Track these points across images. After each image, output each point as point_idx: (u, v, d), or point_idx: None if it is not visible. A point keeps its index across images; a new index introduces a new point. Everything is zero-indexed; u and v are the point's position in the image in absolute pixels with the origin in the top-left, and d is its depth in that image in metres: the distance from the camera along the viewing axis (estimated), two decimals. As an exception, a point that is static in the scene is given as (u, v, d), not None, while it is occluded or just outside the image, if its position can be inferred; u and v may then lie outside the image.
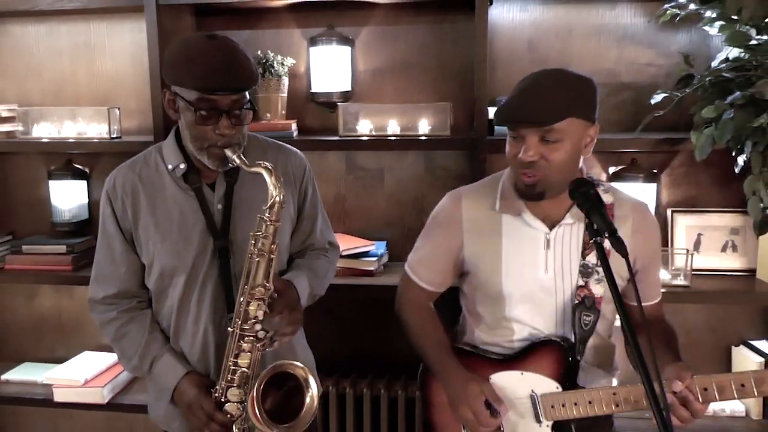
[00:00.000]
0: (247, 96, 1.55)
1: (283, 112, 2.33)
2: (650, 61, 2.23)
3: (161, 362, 1.62)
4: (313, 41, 2.33)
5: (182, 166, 1.60)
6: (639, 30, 2.23)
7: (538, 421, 1.55)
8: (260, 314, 1.51)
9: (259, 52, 2.29)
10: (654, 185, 2.24)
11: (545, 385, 1.56)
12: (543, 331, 1.61)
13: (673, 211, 2.29)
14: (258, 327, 1.51)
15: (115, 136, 2.36)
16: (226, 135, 1.51)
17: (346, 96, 2.35)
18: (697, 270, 2.22)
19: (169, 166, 1.61)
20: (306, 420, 1.50)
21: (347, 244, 2.33)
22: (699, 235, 2.28)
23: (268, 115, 2.30)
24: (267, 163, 1.52)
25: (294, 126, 2.29)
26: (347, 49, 2.35)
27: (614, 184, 2.14)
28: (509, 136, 1.53)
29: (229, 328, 1.53)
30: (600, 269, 1.56)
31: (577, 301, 1.57)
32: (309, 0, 2.23)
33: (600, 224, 1.28)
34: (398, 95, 2.38)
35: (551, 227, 1.58)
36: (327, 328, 2.44)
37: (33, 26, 2.55)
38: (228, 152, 1.52)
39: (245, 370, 1.52)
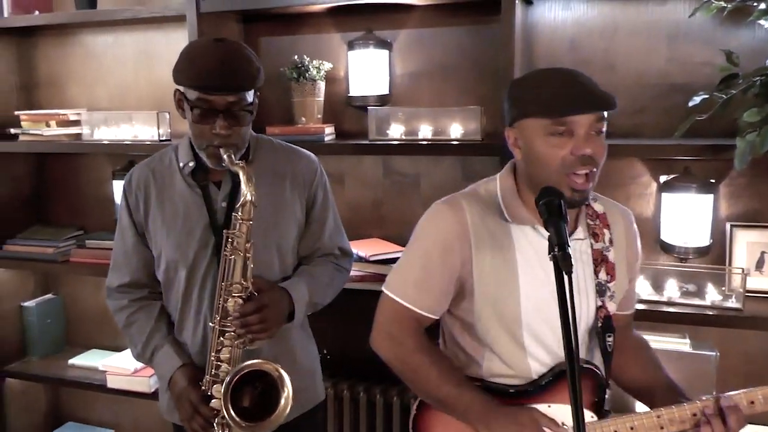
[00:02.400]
0: (249, 98, 1.58)
1: (319, 116, 2.34)
2: (706, 60, 2.03)
3: (161, 352, 1.68)
4: (351, 45, 2.32)
5: (191, 164, 1.66)
6: (694, 26, 2.03)
7: None
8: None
9: (295, 57, 2.31)
10: (710, 196, 2.03)
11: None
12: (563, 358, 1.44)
13: (732, 226, 2.07)
14: (237, 324, 1.54)
15: (164, 138, 2.47)
16: (221, 135, 1.54)
17: (383, 99, 2.33)
18: (759, 292, 2.00)
19: (181, 164, 1.68)
20: (277, 420, 1.50)
21: (381, 249, 2.31)
22: (763, 253, 2.05)
23: (303, 119, 2.32)
24: (243, 164, 1.54)
25: (328, 130, 2.30)
26: (385, 52, 2.32)
27: (668, 195, 2.07)
28: (544, 135, 1.33)
29: (210, 323, 1.57)
30: (611, 285, 1.49)
31: (600, 324, 1.48)
32: (347, 4, 2.22)
33: (553, 237, 1.16)
34: (435, 98, 2.33)
35: None
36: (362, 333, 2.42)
37: (101, 36, 2.73)
38: (221, 151, 1.55)
39: (227, 365, 1.54)
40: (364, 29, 2.33)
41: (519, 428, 1.35)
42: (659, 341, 2.03)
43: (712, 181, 2.06)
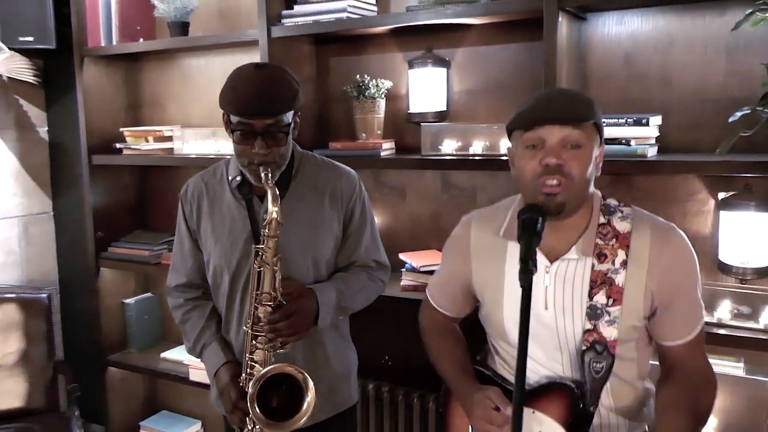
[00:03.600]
0: (286, 120, 1.71)
1: (379, 131, 2.46)
2: (769, 73, 1.94)
3: (209, 349, 1.85)
4: (411, 64, 2.42)
5: (238, 178, 1.82)
6: (754, 38, 1.95)
7: None
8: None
9: (357, 76, 2.44)
10: (771, 215, 1.95)
11: (552, 429, 1.46)
12: (559, 373, 1.51)
13: (796, 246, 1.96)
14: (267, 330, 1.68)
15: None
16: (260, 154, 1.69)
17: (441, 116, 2.40)
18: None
19: (230, 177, 1.85)
20: (299, 420, 1.62)
21: (433, 259, 2.38)
22: (830, 275, 1.93)
23: (363, 134, 2.45)
24: (272, 184, 1.68)
25: (386, 145, 2.41)
26: (443, 70, 2.40)
27: (726, 213, 1.97)
28: (522, 148, 1.43)
29: (243, 327, 1.72)
30: (612, 309, 1.43)
31: (585, 347, 1.45)
32: (408, 25, 2.32)
33: (521, 251, 1.22)
34: (491, 114, 2.37)
35: (553, 260, 1.48)
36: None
37: (195, 60, 3.01)
38: (260, 169, 1.70)
39: (260, 366, 1.68)
40: (425, 48, 2.43)
41: (472, 404, 1.54)
42: (715, 364, 1.95)
43: (775, 198, 1.96)
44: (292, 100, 1.71)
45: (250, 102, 1.65)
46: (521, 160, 1.43)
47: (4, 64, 2.80)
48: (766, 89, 1.66)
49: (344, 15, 2.32)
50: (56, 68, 3.20)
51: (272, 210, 1.66)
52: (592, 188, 1.48)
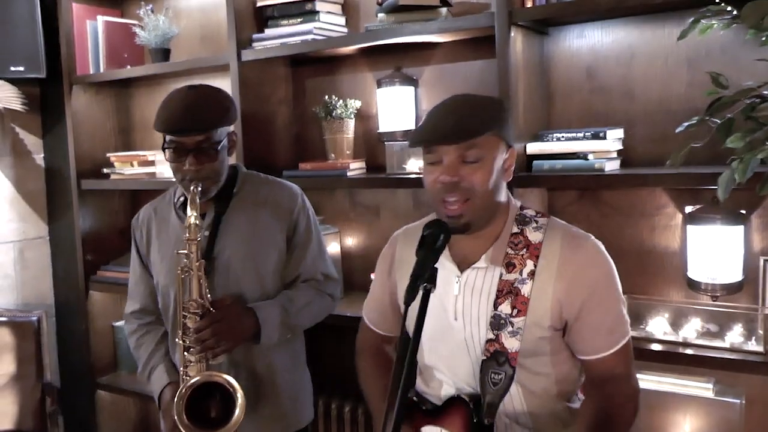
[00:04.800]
0: (218, 137, 1.74)
1: (348, 152, 2.46)
2: (732, 82, 1.88)
3: (156, 372, 1.86)
4: (379, 83, 2.43)
5: (181, 198, 1.85)
6: (714, 48, 1.91)
7: None
8: None
9: (326, 97, 2.45)
10: (740, 228, 1.87)
11: None
12: (465, 385, 1.46)
13: (766, 261, 1.88)
14: (193, 339, 1.68)
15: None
16: (192, 171, 1.71)
17: (409, 134, 2.39)
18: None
19: (175, 199, 1.87)
20: (231, 429, 1.60)
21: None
22: (804, 291, 1.85)
23: (333, 155, 2.45)
24: (195, 191, 1.70)
25: (354, 165, 2.40)
26: (410, 89, 2.39)
27: (693, 227, 1.89)
28: (425, 164, 1.43)
29: (176, 340, 1.72)
30: (516, 320, 1.38)
31: (485, 357, 1.40)
32: (377, 45, 2.33)
33: (413, 268, 1.20)
34: (462, 132, 2.34)
35: (465, 269, 1.45)
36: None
37: (180, 84, 3.05)
38: (192, 184, 1.72)
39: (196, 379, 1.68)
40: (394, 67, 2.43)
41: None
42: (680, 385, 1.88)
43: (743, 211, 1.89)
44: (221, 117, 1.73)
45: (179, 119, 1.68)
46: (425, 175, 1.43)
47: (-6, 93, 2.88)
48: (712, 98, 1.61)
49: (310, 37, 2.33)
50: (51, 96, 3.28)
51: (191, 214, 1.67)
52: (504, 197, 1.46)
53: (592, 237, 1.46)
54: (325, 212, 2.65)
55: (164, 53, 2.82)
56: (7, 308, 3.22)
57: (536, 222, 1.46)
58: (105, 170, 3.01)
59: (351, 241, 2.63)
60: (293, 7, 2.40)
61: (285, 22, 2.43)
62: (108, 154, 3.04)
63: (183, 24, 2.95)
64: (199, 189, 1.73)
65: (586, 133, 1.96)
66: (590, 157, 1.94)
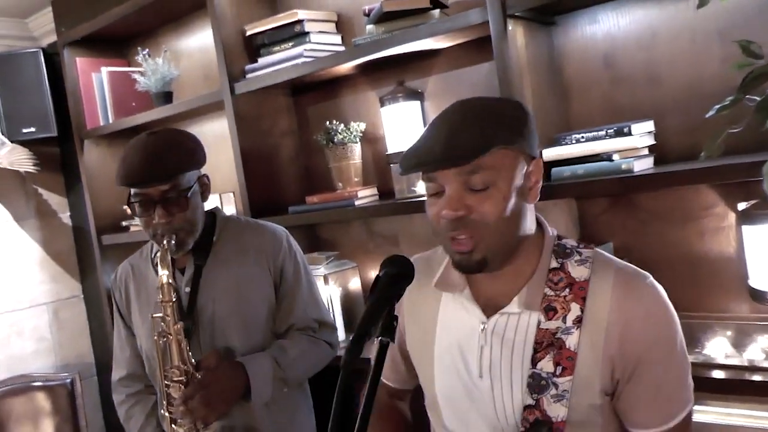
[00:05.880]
0: (186, 183, 1.58)
1: (357, 179, 2.26)
2: (776, 52, 1.59)
3: None
4: (381, 102, 2.23)
5: (158, 254, 1.68)
6: (751, 13, 1.61)
7: None
8: None
9: (327, 123, 2.27)
10: (807, 224, 1.56)
11: None
12: None
13: None
14: (182, 411, 1.51)
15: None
16: (162, 224, 1.55)
17: (400, 158, 2.17)
18: None
19: (152, 254, 1.72)
20: None
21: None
22: None
23: (340, 184, 2.26)
24: (165, 245, 1.56)
25: (363, 193, 2.19)
26: (416, 103, 2.18)
27: (750, 227, 1.57)
28: (427, 193, 1.18)
29: (161, 411, 1.55)
30: (561, 380, 1.09)
31: (523, 429, 1.11)
32: (375, 60, 2.13)
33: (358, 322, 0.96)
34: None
35: (492, 314, 1.18)
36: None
37: (192, 127, 2.95)
38: (164, 239, 1.56)
39: None
40: (396, 82, 2.23)
41: None
42: (748, 416, 1.56)
43: (807, 206, 1.58)
44: (186, 161, 1.58)
45: (140, 169, 1.53)
46: (427, 209, 1.18)
47: (7, 157, 2.86)
48: (744, 72, 1.33)
49: (300, 60, 2.17)
50: (67, 154, 3.25)
51: (162, 273, 1.51)
52: (530, 222, 1.19)
53: (650, 277, 1.16)
54: (342, 247, 2.46)
55: (166, 96, 2.71)
56: (42, 372, 3.17)
57: (579, 254, 1.18)
58: (124, 223, 2.93)
59: (373, 274, 2.41)
60: (282, 32, 2.25)
61: (277, 48, 2.27)
62: (125, 206, 2.95)
63: (183, 65, 2.85)
64: (173, 243, 1.57)
65: (608, 131, 1.69)
66: (615, 157, 1.67)
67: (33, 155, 2.96)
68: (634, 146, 1.66)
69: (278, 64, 2.24)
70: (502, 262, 1.16)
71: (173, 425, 1.55)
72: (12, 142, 2.92)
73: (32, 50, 2.92)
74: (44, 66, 2.93)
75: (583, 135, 1.73)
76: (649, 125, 1.72)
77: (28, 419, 2.94)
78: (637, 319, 1.10)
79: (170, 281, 1.55)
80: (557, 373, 1.10)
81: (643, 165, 1.68)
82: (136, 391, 1.78)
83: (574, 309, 1.12)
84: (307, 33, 2.20)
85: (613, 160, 1.67)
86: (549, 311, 1.13)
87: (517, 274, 1.18)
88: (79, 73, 2.93)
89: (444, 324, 1.25)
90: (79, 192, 3.30)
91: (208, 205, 1.78)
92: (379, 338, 0.97)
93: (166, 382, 1.55)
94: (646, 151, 1.71)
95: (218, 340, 1.66)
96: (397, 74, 2.23)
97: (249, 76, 2.32)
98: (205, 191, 1.70)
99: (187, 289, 1.67)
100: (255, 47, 2.35)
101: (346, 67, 2.19)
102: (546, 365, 1.10)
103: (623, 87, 1.81)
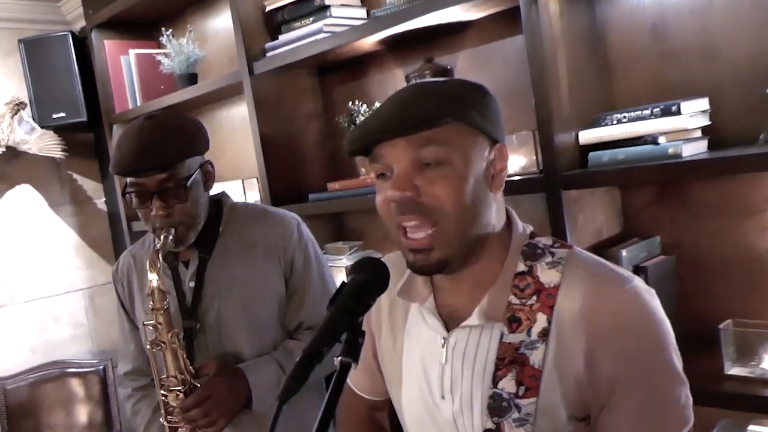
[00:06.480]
0: (185, 172, 1.46)
1: (381, 164, 2.10)
2: None
3: None
4: (407, 79, 2.05)
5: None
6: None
7: None
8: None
9: (350, 104, 2.11)
10: None
11: None
12: None
13: None
14: (181, 421, 1.42)
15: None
16: (160, 216, 1.44)
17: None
18: None
19: (155, 245, 1.61)
20: None
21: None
22: None
23: (363, 169, 2.10)
24: (157, 247, 1.43)
25: (387, 179, 2.03)
26: (444, 82, 2.00)
27: None
28: (375, 176, 1.01)
29: (161, 420, 1.46)
30: (524, 402, 0.92)
31: None
32: (403, 33, 1.96)
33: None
34: (511, 123, 1.92)
35: (453, 327, 1.02)
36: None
37: (216, 111, 2.85)
38: (162, 234, 1.45)
39: None
40: (424, 59, 2.05)
41: None
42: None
43: None
44: (185, 147, 1.45)
45: (134, 157, 1.41)
46: (377, 196, 1.00)
47: (36, 143, 2.83)
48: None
49: (320, 36, 2.02)
50: (103, 139, 3.21)
51: (151, 278, 1.40)
52: (497, 216, 1.01)
53: (636, 279, 0.97)
54: (368, 237, 2.32)
55: (191, 78, 2.61)
56: (78, 358, 3.17)
57: (551, 255, 0.99)
58: (152, 210, 2.86)
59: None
60: (303, 6, 2.10)
61: (297, 24, 2.13)
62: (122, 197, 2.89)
63: (209, 47, 2.74)
64: (171, 239, 1.46)
65: (654, 110, 1.48)
66: (661, 140, 1.46)
67: (62, 141, 2.93)
68: (683, 127, 1.45)
69: (299, 40, 2.09)
70: (465, 260, 0.98)
71: None
72: (43, 127, 2.89)
73: (61, 33, 2.87)
74: (73, 50, 2.88)
75: (625, 115, 1.53)
76: (703, 103, 1.50)
77: (61, 405, 2.94)
78: (610, 334, 0.91)
79: (161, 287, 1.44)
80: (519, 393, 0.94)
81: (695, 149, 1.46)
82: (143, 385, 1.69)
83: (541, 320, 0.95)
84: (328, 6, 2.04)
85: (658, 144, 1.46)
86: (513, 322, 0.96)
87: (479, 280, 1.01)
88: (107, 56, 2.86)
89: (410, 336, 1.10)
90: (112, 177, 3.26)
91: (221, 190, 1.67)
92: (340, 359, 0.81)
93: (162, 391, 1.46)
94: (698, 134, 1.50)
95: (225, 341, 1.55)
96: (425, 50, 2.05)
97: (269, 54, 2.19)
98: (208, 179, 1.57)
99: (191, 284, 1.56)
100: (275, 24, 2.21)
101: (370, 43, 2.03)
102: (508, 384, 0.94)
103: (674, 61, 1.59)
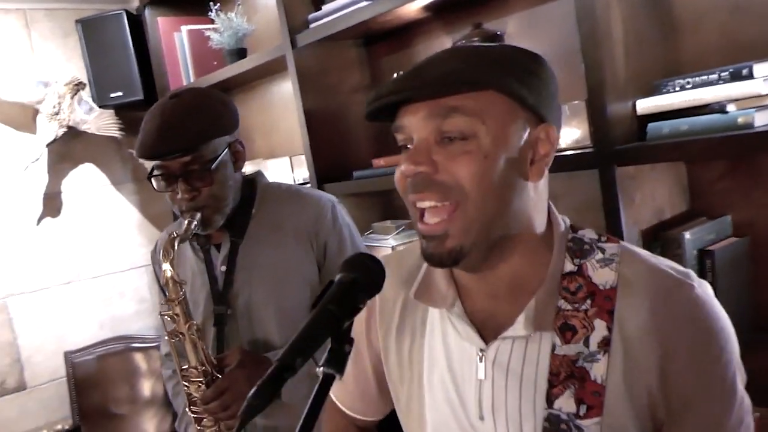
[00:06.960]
0: (211, 153, 1.41)
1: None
2: None
3: (191, 429, 1.58)
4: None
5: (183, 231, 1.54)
6: None
7: None
8: None
9: (394, 75, 2.00)
10: None
11: None
12: None
13: None
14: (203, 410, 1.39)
15: (300, 182, 2.42)
16: (186, 200, 1.40)
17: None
18: None
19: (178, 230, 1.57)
20: None
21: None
22: None
23: (408, 145, 2.00)
24: (174, 235, 1.40)
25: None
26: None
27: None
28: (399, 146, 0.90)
29: (185, 409, 1.43)
30: (586, 423, 0.81)
31: None
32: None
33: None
34: (564, 92, 1.76)
35: (492, 338, 0.89)
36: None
37: (270, 86, 2.80)
38: (186, 216, 1.40)
39: None
40: (472, 25, 1.91)
41: None
42: None
43: None
44: (209, 127, 1.39)
45: (155, 141, 1.36)
46: (397, 170, 0.89)
47: (95, 122, 2.87)
48: None
49: (363, 4, 1.91)
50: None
51: (165, 268, 1.35)
52: (536, 208, 0.87)
53: (696, 279, 0.85)
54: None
55: (239, 53, 2.57)
56: (139, 333, 3.23)
57: (602, 251, 0.87)
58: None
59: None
60: (348, -27, 2.00)
61: (343, -8, 2.04)
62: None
63: (258, 19, 2.68)
64: (195, 223, 1.41)
65: (722, 74, 1.31)
66: (730, 108, 1.29)
67: (119, 120, 2.95)
68: (756, 93, 1.27)
69: (342, 9, 2.00)
70: (486, 256, 0.86)
71: (198, 425, 1.43)
72: (101, 107, 2.92)
73: (116, 12, 2.88)
74: (128, 28, 2.88)
75: (689, 80, 1.36)
76: (781, 65, 1.31)
77: (125, 379, 3.01)
78: (686, 342, 0.80)
79: (175, 277, 1.40)
80: (581, 413, 0.82)
81: (764, 119, 1.28)
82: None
83: (599, 327, 0.83)
84: (374, -28, 1.93)
85: (726, 112, 1.29)
86: (566, 331, 0.84)
87: (519, 282, 0.88)
88: (161, 33, 2.86)
89: (432, 346, 0.96)
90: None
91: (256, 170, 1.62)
92: (322, 369, 0.73)
93: (184, 382, 1.43)
94: (772, 100, 1.31)
95: (256, 327, 1.51)
96: (473, 16, 1.92)
97: (312, 26, 2.11)
98: (238, 160, 1.51)
99: (223, 268, 1.52)
100: (319, -6, 2.13)
101: (415, 10, 1.92)
102: (565, 403, 0.82)
103: (747, 18, 1.40)
